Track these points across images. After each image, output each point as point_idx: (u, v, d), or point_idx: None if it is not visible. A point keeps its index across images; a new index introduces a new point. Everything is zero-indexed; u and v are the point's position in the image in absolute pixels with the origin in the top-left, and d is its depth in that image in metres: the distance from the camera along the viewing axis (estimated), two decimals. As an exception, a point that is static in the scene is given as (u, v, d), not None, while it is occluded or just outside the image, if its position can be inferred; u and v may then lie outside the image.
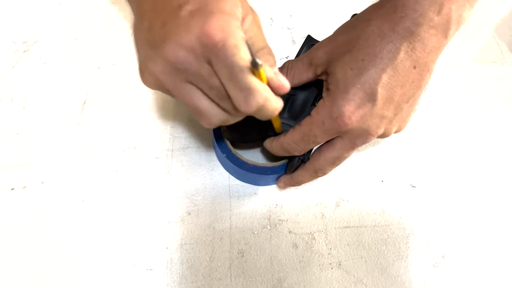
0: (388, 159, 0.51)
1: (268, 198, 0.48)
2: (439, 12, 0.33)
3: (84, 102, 0.50)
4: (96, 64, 0.52)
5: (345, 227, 0.47)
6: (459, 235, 0.48)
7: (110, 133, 0.49)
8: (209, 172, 0.49)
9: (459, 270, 0.46)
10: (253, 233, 0.46)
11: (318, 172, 0.41)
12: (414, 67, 0.34)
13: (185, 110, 0.51)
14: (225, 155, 0.45)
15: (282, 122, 0.42)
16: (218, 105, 0.32)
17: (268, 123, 0.41)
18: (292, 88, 0.41)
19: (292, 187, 0.48)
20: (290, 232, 0.47)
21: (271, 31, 0.56)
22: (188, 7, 0.30)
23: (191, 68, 0.30)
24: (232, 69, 0.29)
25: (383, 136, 0.38)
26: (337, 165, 0.40)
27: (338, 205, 0.48)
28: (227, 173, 0.49)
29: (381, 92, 0.34)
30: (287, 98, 0.42)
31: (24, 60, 0.52)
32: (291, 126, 0.41)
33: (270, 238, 0.46)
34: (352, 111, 0.34)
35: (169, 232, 0.46)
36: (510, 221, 0.49)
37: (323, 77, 0.38)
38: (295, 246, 0.46)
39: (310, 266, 0.45)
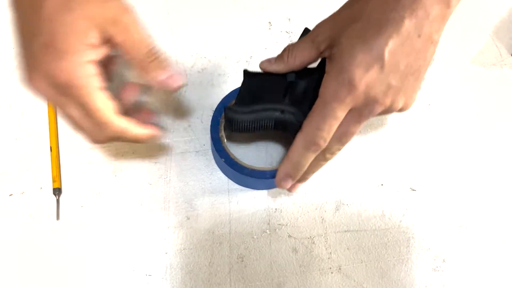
0: (388, 162, 0.50)
1: (268, 202, 0.48)
2: None
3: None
4: (94, 69, 0.52)
5: (345, 231, 0.47)
6: (459, 238, 0.47)
7: (108, 138, 0.49)
8: (208, 177, 0.49)
9: (460, 274, 0.46)
10: (253, 237, 0.46)
11: (326, 153, 0.39)
12: (419, 36, 0.34)
13: (184, 114, 0.51)
14: (223, 159, 0.45)
15: (284, 110, 0.41)
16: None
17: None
18: (294, 75, 0.40)
19: (291, 190, 0.45)
20: (289, 236, 0.46)
21: (269, 35, 0.56)
22: (41, 39, 0.33)
23: (50, 99, 0.34)
24: (83, 107, 0.34)
25: (389, 109, 0.37)
26: (344, 143, 0.39)
27: (338, 209, 0.48)
28: (226, 177, 0.49)
29: (388, 58, 0.34)
30: (287, 86, 0.41)
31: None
32: (292, 113, 0.40)
33: (270, 242, 0.46)
34: (361, 74, 0.34)
35: (168, 237, 0.46)
36: (511, 224, 0.48)
37: (326, 54, 0.37)
38: (295, 250, 0.46)
39: (310, 270, 0.45)
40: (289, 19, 0.57)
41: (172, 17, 0.56)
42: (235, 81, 0.53)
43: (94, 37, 0.33)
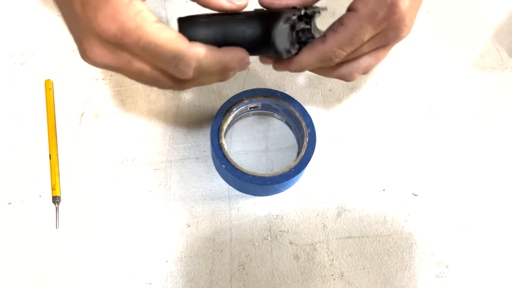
0: (389, 167, 0.50)
1: (269, 209, 0.47)
2: None
3: (82, 114, 0.50)
4: (93, 75, 0.52)
5: (347, 237, 0.47)
6: (463, 244, 0.47)
7: (108, 145, 0.49)
8: (209, 183, 0.48)
9: (464, 280, 0.45)
10: (254, 245, 0.46)
11: (339, 56, 0.35)
12: None
13: (183, 121, 0.51)
14: (224, 166, 0.44)
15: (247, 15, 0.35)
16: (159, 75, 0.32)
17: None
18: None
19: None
20: (291, 243, 0.46)
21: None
22: (76, 1, 0.29)
23: (115, 64, 0.31)
24: (147, 49, 0.30)
25: (402, 35, 0.35)
26: (348, 55, 0.36)
27: (339, 215, 0.48)
28: (227, 184, 0.48)
29: None
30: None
31: (21, 73, 0.52)
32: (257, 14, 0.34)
33: (271, 249, 0.46)
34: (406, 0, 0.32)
35: (169, 245, 0.45)
36: (514, 229, 0.48)
37: None
38: (297, 257, 0.45)
39: (312, 278, 0.45)
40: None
41: (173, 24, 0.56)
42: (235, 87, 0.53)
43: None
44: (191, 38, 0.32)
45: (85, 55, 0.31)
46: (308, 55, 0.35)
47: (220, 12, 0.35)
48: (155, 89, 0.52)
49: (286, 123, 0.51)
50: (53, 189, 0.46)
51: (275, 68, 0.39)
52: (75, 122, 0.50)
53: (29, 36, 0.54)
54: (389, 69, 0.55)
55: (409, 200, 0.49)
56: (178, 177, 0.48)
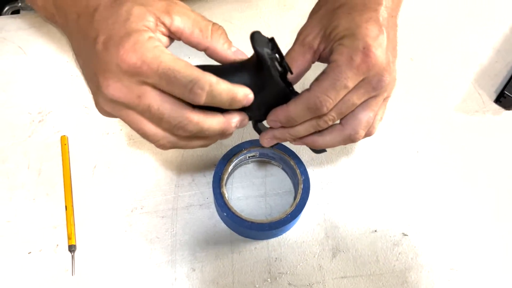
0: (380, 209, 0.54)
1: (268, 252, 0.51)
2: None
3: (95, 167, 0.55)
4: (105, 130, 0.57)
5: (342, 277, 0.50)
6: (452, 281, 0.50)
7: (119, 195, 0.53)
8: (212, 229, 0.52)
9: (453, 316, 0.48)
10: (255, 286, 0.49)
11: (321, 119, 0.39)
12: (392, 16, 0.39)
13: (187, 169, 0.55)
14: (225, 214, 0.48)
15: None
16: (160, 127, 0.36)
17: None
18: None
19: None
20: (289, 284, 0.49)
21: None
22: (101, 39, 0.33)
23: (125, 98, 0.33)
24: (164, 75, 0.32)
25: (389, 87, 0.39)
26: (343, 115, 0.40)
27: (334, 256, 0.51)
28: (229, 229, 0.52)
29: (386, 25, 0.37)
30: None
31: (39, 130, 0.56)
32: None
33: (271, 291, 0.49)
34: (374, 40, 0.36)
35: (176, 289, 0.49)
36: (503, 267, 0.51)
37: (322, 48, 0.39)
38: (295, 298, 0.49)
39: (309, 317, 0.48)
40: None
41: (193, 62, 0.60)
42: (236, 139, 0.57)
43: (151, 21, 0.33)
44: None
45: (99, 92, 0.34)
46: (295, 105, 0.38)
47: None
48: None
49: (283, 169, 0.55)
50: (69, 238, 0.50)
51: (265, 141, 0.44)
52: (89, 174, 0.54)
53: (46, 95, 0.58)
54: (377, 115, 0.59)
55: (400, 239, 0.52)
56: (184, 224, 0.52)
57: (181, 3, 0.36)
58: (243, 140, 0.53)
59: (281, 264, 0.50)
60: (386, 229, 0.53)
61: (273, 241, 0.52)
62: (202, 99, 0.33)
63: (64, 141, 0.55)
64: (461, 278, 0.50)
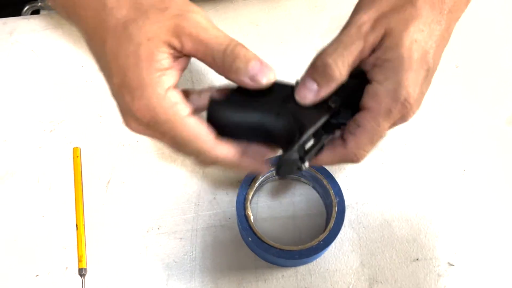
0: (422, 234, 0.48)
1: (297, 281, 0.46)
2: None
3: (109, 182, 0.50)
4: (120, 141, 0.52)
5: (380, 311, 0.45)
6: (505, 320, 0.44)
7: (134, 213, 0.49)
8: (234, 253, 0.47)
9: None
10: (282, 320, 0.44)
11: (363, 157, 0.36)
12: (444, 38, 0.35)
13: (209, 186, 0.50)
14: (250, 239, 0.43)
15: (280, 112, 0.34)
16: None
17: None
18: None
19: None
20: (321, 318, 0.44)
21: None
22: (115, 80, 0.32)
23: (146, 135, 0.35)
24: (174, 141, 0.33)
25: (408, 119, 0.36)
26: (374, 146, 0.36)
27: (371, 287, 0.46)
28: (253, 253, 0.47)
29: (431, 62, 0.33)
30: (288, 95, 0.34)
31: (50, 140, 0.52)
32: (287, 119, 0.33)
33: (300, 325, 0.44)
34: (416, 90, 0.33)
35: (194, 320, 0.44)
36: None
37: (376, 49, 0.33)
38: (327, 335, 0.44)
39: None
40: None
41: (196, 86, 0.56)
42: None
43: (163, 58, 0.31)
44: (218, 123, 0.34)
45: (126, 126, 0.35)
46: (329, 157, 0.36)
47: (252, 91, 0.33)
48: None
49: (313, 187, 0.50)
50: (79, 261, 0.46)
51: None
52: (102, 190, 0.50)
53: (59, 102, 0.55)
54: (418, 128, 0.53)
55: (445, 270, 0.46)
56: (204, 246, 0.47)
57: (193, 13, 0.32)
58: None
59: (311, 295, 0.45)
60: (429, 258, 0.47)
61: (302, 268, 0.46)
62: (206, 167, 0.36)
63: (76, 153, 0.51)
64: (517, 316, 0.44)
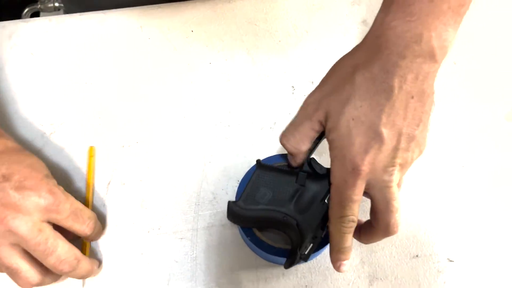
0: (422, 231, 0.48)
1: (297, 279, 0.46)
2: (420, 42, 0.35)
3: (109, 183, 0.51)
4: (120, 143, 0.53)
5: (380, 308, 0.45)
6: (505, 315, 0.44)
7: (134, 214, 0.49)
8: (235, 253, 0.47)
9: None
10: (283, 318, 0.44)
11: (351, 219, 0.39)
12: (412, 97, 0.36)
13: (208, 186, 0.51)
14: (249, 238, 0.44)
15: (287, 214, 0.40)
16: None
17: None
18: (305, 177, 0.41)
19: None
20: (321, 316, 0.44)
21: (293, 100, 0.55)
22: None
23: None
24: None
25: (406, 164, 0.38)
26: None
27: (371, 284, 0.46)
28: (254, 253, 0.47)
29: (385, 131, 0.36)
30: (296, 189, 0.41)
31: (51, 142, 0.53)
32: (294, 219, 0.40)
33: (301, 323, 0.44)
34: (362, 158, 0.36)
35: (196, 320, 0.44)
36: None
37: (323, 123, 0.39)
38: (328, 332, 0.44)
39: None
40: (312, 82, 0.56)
41: (195, 86, 0.56)
42: (260, 150, 0.52)
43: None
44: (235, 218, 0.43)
45: None
46: (333, 237, 0.40)
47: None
48: (180, 155, 0.52)
49: (313, 185, 0.50)
50: (81, 262, 0.46)
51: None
52: (103, 191, 0.50)
53: (59, 104, 0.55)
54: (417, 125, 0.53)
55: (445, 266, 0.46)
56: (205, 246, 0.48)
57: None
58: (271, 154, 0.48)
59: (312, 293, 0.46)
60: (429, 255, 0.47)
61: (302, 266, 0.47)
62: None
63: (91, 152, 0.51)
64: (517, 312, 0.44)
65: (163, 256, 0.47)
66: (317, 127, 0.39)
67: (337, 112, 0.37)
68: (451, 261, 0.47)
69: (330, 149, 0.38)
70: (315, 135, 0.40)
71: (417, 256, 0.47)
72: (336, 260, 0.40)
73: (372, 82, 0.36)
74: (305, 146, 0.40)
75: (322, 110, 0.38)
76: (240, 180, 0.46)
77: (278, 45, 0.58)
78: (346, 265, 0.40)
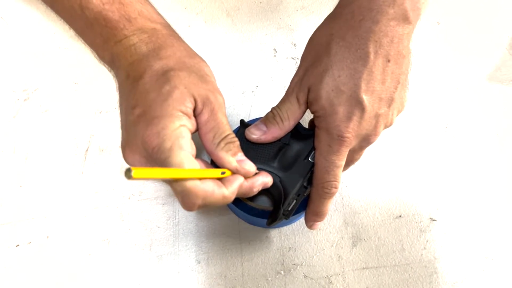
0: (404, 192, 0.48)
1: (281, 241, 0.46)
2: (393, 5, 0.35)
3: (87, 150, 0.49)
4: (97, 108, 0.51)
5: (364, 268, 0.45)
6: (486, 271, 0.45)
7: (114, 181, 0.48)
8: (218, 217, 0.47)
9: (489, 310, 0.43)
10: (267, 280, 0.44)
11: (334, 186, 0.39)
12: (389, 61, 0.36)
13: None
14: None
15: (270, 172, 0.39)
16: None
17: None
18: (289, 135, 0.40)
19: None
20: (305, 277, 0.44)
21: (275, 63, 0.54)
22: (137, 111, 0.34)
23: (145, 166, 0.35)
24: (166, 174, 0.32)
25: (386, 127, 0.39)
26: (350, 166, 0.43)
27: (354, 245, 0.46)
28: (237, 217, 0.47)
29: (365, 98, 0.36)
30: (280, 147, 0.40)
31: (24, 109, 0.51)
32: (278, 177, 0.39)
33: (285, 284, 0.44)
34: (346, 125, 0.36)
35: (179, 283, 0.44)
36: (541, 253, 0.45)
37: (308, 105, 0.39)
38: (312, 292, 0.44)
39: (328, 313, 0.43)
40: (294, 44, 0.55)
41: (174, 49, 0.54)
42: (241, 114, 0.51)
43: (189, 106, 0.34)
44: None
45: (124, 157, 0.36)
46: (313, 201, 0.40)
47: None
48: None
49: (296, 149, 0.50)
50: (60, 229, 0.45)
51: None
52: (81, 158, 0.49)
53: (32, 70, 0.53)
54: (400, 86, 0.52)
55: (427, 225, 0.47)
56: (187, 212, 0.47)
57: (220, 96, 0.37)
58: (253, 118, 0.47)
59: (296, 254, 0.45)
60: (411, 214, 0.47)
61: (286, 229, 0.46)
62: (194, 209, 0.33)
63: None
64: (497, 267, 0.45)
65: (144, 222, 0.46)
66: (303, 107, 0.39)
67: (317, 85, 0.37)
68: (433, 220, 0.47)
69: (314, 118, 0.39)
70: (301, 115, 0.40)
71: (400, 216, 0.47)
72: (310, 220, 0.41)
73: (347, 50, 0.36)
74: (291, 125, 0.40)
75: (305, 86, 0.38)
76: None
77: (259, 6, 0.57)
78: (319, 225, 0.42)
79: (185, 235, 0.46)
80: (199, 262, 0.45)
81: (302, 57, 0.40)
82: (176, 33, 0.41)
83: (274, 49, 0.55)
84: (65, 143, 0.50)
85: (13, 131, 0.50)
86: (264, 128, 0.39)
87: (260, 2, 0.57)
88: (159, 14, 0.42)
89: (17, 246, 0.45)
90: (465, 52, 0.55)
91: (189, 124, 0.34)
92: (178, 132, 0.33)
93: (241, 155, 0.36)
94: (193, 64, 0.37)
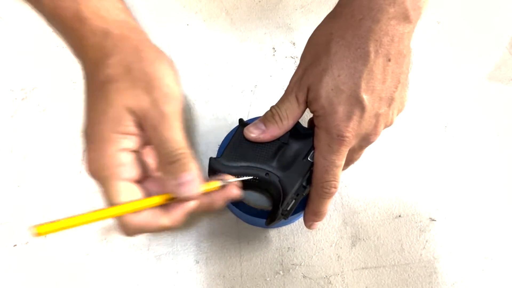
0: (404, 192, 0.48)
1: (280, 241, 0.46)
2: (393, 4, 0.35)
3: (85, 150, 0.49)
4: (95, 107, 0.51)
5: (363, 268, 0.45)
6: (486, 271, 0.45)
7: (112, 180, 0.48)
8: (216, 217, 0.47)
9: (488, 310, 0.43)
10: (266, 280, 0.44)
11: (333, 185, 0.39)
12: (389, 60, 0.36)
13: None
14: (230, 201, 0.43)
15: (270, 171, 0.39)
16: None
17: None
18: (288, 135, 0.40)
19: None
20: (304, 277, 0.44)
21: (274, 62, 0.54)
22: (84, 129, 0.32)
23: None
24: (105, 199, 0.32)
25: (387, 126, 0.39)
26: (350, 165, 0.42)
27: (354, 245, 0.46)
28: (236, 217, 0.47)
29: (365, 97, 0.36)
30: (279, 146, 0.40)
31: (22, 108, 0.51)
32: (277, 177, 0.39)
33: (284, 284, 0.44)
34: (346, 125, 0.36)
35: (178, 284, 0.44)
36: (541, 253, 0.45)
37: (308, 105, 0.38)
38: (311, 292, 0.44)
39: (327, 313, 0.43)
40: (293, 43, 0.55)
41: (173, 49, 0.54)
42: (241, 113, 0.51)
43: (129, 124, 0.31)
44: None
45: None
46: (313, 201, 0.40)
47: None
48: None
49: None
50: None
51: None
52: (78, 157, 0.49)
53: (29, 69, 0.53)
54: (400, 86, 0.52)
55: (427, 225, 0.47)
56: (185, 211, 0.47)
57: (170, 103, 0.32)
58: (252, 117, 0.47)
59: (295, 254, 0.45)
60: (411, 214, 0.47)
61: (285, 229, 0.46)
62: (134, 236, 0.33)
63: None
64: (497, 267, 0.45)
65: (143, 221, 0.46)
66: (302, 107, 0.39)
67: (316, 84, 0.36)
68: (433, 220, 0.47)
69: (314, 117, 0.38)
70: (300, 115, 0.39)
71: (399, 216, 0.47)
72: (309, 220, 0.41)
73: (347, 50, 0.35)
74: (290, 125, 0.40)
75: (304, 86, 0.38)
76: (219, 144, 0.45)
77: (258, 5, 0.57)
78: (318, 225, 0.41)
79: (184, 235, 0.46)
80: (197, 262, 0.45)
81: (301, 56, 0.40)
82: (134, 29, 0.36)
83: (273, 48, 0.55)
84: (63, 142, 0.49)
85: (11, 130, 0.50)
86: (263, 127, 0.39)
87: (259, 1, 0.57)
88: (118, 8, 0.36)
89: (14, 246, 0.45)
90: (465, 51, 0.55)
91: (132, 143, 0.32)
92: (116, 159, 0.31)
93: (186, 175, 0.31)
94: (141, 69, 0.33)
